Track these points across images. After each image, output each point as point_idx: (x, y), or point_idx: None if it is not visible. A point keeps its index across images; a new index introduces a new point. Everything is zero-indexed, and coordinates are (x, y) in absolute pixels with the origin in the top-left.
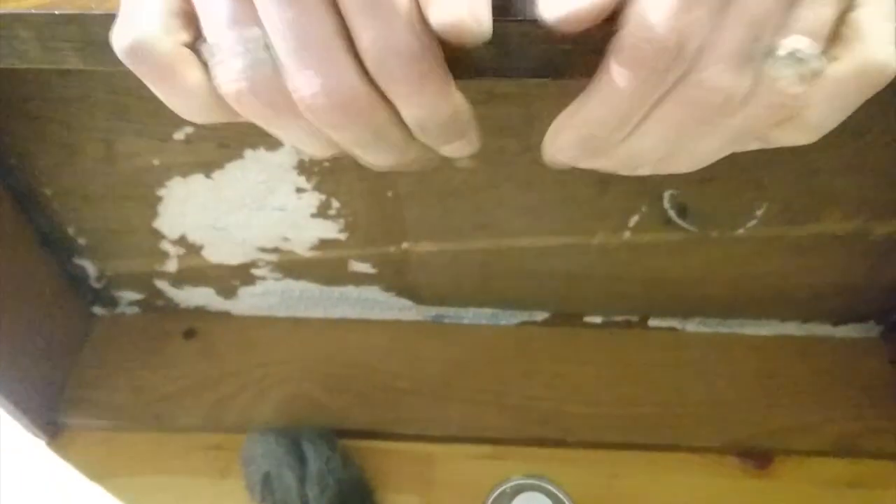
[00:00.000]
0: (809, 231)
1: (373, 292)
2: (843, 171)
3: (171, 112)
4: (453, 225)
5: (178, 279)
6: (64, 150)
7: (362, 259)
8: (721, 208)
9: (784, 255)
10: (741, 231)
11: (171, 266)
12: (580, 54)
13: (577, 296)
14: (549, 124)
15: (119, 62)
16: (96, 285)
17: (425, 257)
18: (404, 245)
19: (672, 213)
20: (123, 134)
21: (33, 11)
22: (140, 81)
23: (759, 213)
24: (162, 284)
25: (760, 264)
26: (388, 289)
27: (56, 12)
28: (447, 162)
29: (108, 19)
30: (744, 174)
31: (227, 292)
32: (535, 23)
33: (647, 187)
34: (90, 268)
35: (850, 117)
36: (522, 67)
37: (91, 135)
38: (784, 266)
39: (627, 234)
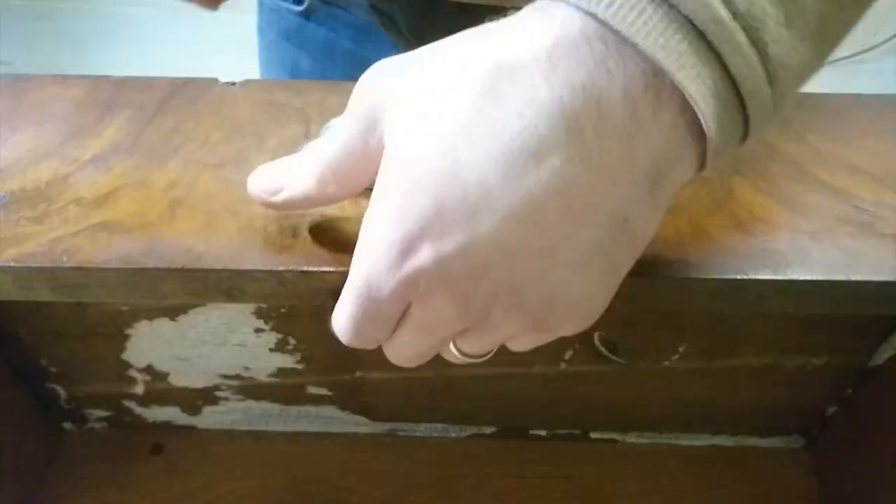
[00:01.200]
0: (727, 364)
1: (329, 411)
2: (749, 318)
3: None
4: None
5: (145, 400)
6: None
7: (318, 385)
8: (647, 346)
9: (708, 383)
10: (666, 363)
11: (139, 389)
12: None
13: (522, 413)
14: None
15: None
16: (66, 406)
17: (378, 383)
18: (358, 374)
19: (602, 350)
20: None
21: (12, 265)
22: None
23: (680, 349)
24: (130, 404)
25: (687, 389)
26: (343, 408)
27: (32, 265)
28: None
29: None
30: (664, 319)
31: (192, 410)
32: None
33: None
34: (61, 391)
35: None
36: None
37: None
38: (709, 391)
39: (563, 366)
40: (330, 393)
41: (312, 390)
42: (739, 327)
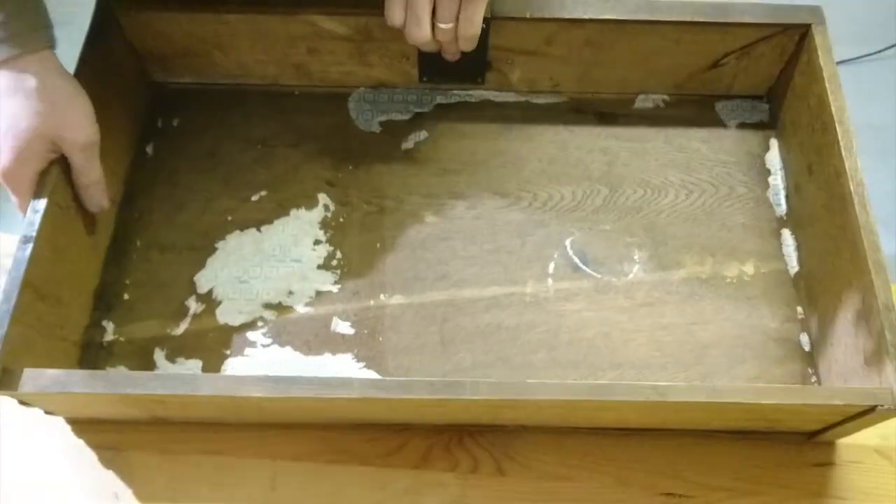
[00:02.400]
0: None
1: (346, 361)
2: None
3: (256, 178)
4: (421, 274)
5: (178, 348)
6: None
7: (344, 317)
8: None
9: None
10: None
11: (184, 326)
12: None
13: None
14: (486, 192)
15: None
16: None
17: (396, 312)
18: (381, 297)
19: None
20: (217, 194)
21: None
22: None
23: None
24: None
25: None
26: (358, 358)
27: None
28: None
29: None
30: None
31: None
32: None
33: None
34: (108, 326)
35: None
36: None
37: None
38: None
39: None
40: (352, 331)
41: (338, 326)
42: None
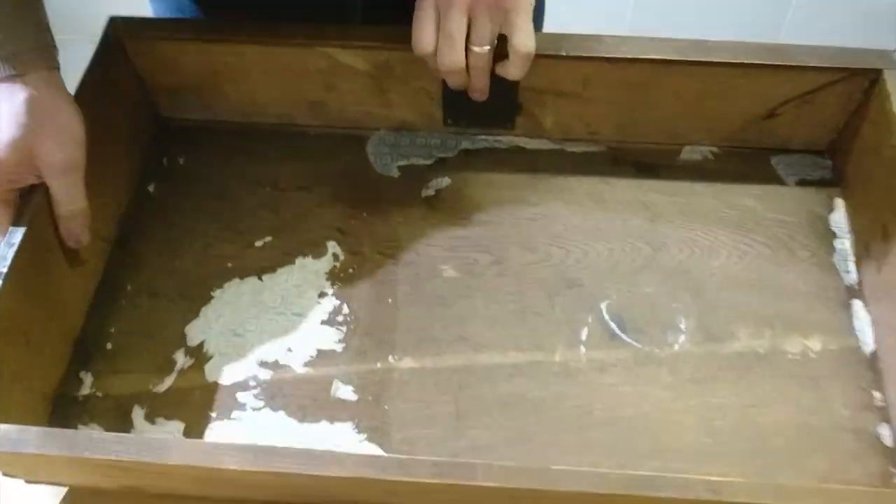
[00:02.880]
0: None
1: (345, 431)
2: None
3: (262, 223)
4: (436, 335)
5: (158, 406)
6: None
7: (346, 380)
8: None
9: None
10: None
11: (168, 382)
12: None
13: None
14: (513, 246)
15: None
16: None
17: (405, 377)
18: (390, 359)
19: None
20: (218, 239)
21: None
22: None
23: None
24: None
25: None
26: (359, 428)
27: None
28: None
29: None
30: None
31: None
32: None
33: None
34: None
35: None
36: None
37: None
38: None
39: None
40: (354, 397)
41: (339, 391)
42: None
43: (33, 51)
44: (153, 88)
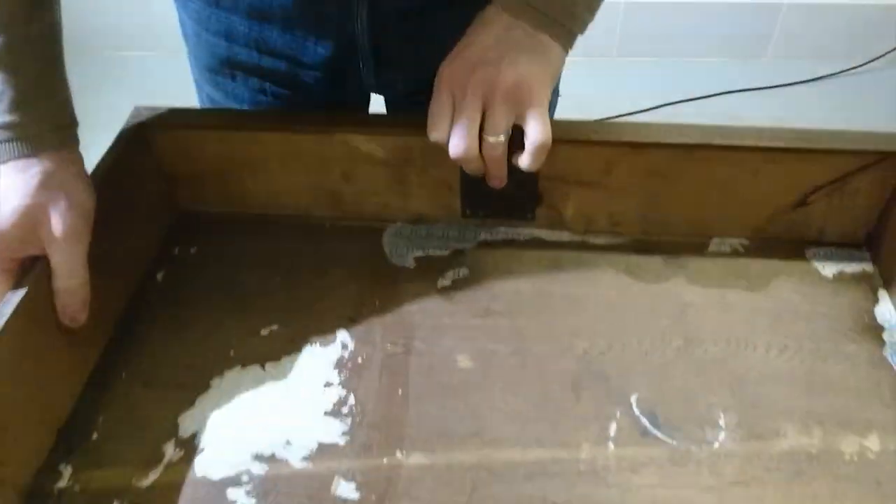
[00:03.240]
0: None
1: None
2: None
3: (270, 311)
4: (448, 429)
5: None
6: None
7: (349, 477)
8: None
9: None
10: None
11: (153, 476)
12: None
13: None
14: (534, 337)
15: None
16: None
17: (414, 474)
18: (398, 455)
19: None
20: (223, 327)
21: None
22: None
23: None
24: None
25: None
26: None
27: None
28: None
29: None
30: None
31: None
32: None
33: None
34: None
35: None
36: None
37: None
38: None
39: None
40: (356, 495)
41: (340, 488)
42: None
43: (53, 131)
44: (172, 177)
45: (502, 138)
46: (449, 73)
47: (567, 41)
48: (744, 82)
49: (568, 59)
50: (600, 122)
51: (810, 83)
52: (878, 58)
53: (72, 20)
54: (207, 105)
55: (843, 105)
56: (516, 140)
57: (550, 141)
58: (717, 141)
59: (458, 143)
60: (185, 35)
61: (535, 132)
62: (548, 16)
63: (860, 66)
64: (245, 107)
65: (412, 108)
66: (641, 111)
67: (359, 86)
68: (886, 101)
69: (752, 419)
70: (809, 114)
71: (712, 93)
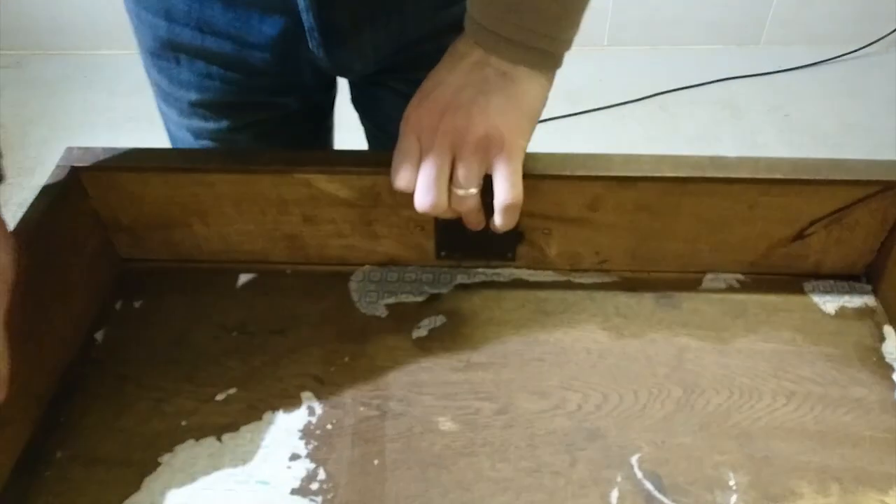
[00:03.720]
0: None
1: None
2: None
3: (226, 373)
4: (432, 502)
5: None
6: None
7: None
8: None
9: None
10: None
11: None
12: None
13: None
14: (521, 392)
15: None
16: None
17: None
18: None
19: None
20: (173, 393)
21: None
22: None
23: None
24: None
25: None
26: None
27: None
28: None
29: None
30: None
31: None
32: None
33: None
34: None
35: None
36: None
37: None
38: None
39: None
40: None
41: None
42: None
43: None
44: (111, 225)
45: (473, 191)
46: (416, 116)
47: (551, 65)
48: (739, 69)
49: None
50: (586, 156)
51: (806, 69)
52: (874, 41)
53: (46, 19)
54: (156, 96)
55: (841, 91)
56: (490, 185)
57: (521, 201)
58: (711, 173)
59: (424, 198)
60: (128, 17)
61: (503, 192)
62: (524, 45)
63: (857, 49)
64: (192, 93)
65: (374, 90)
66: (634, 101)
67: (313, 69)
68: (884, 85)
69: (764, 478)
70: (806, 100)
71: (706, 80)
